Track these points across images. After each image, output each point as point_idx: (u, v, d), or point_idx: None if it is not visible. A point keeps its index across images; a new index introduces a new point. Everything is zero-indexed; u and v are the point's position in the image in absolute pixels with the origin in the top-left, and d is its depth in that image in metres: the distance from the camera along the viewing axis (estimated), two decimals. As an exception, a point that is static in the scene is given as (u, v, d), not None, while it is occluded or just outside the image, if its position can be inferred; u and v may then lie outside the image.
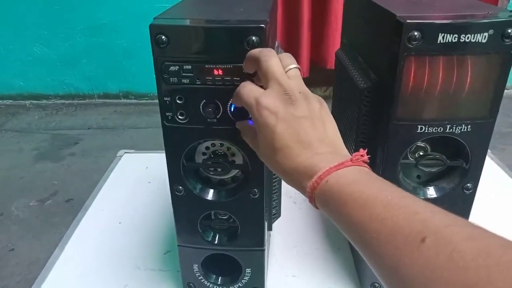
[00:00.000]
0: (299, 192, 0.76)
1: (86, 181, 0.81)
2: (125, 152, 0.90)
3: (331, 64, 1.25)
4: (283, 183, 0.67)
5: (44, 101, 1.55)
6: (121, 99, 1.50)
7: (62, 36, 1.48)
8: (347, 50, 0.57)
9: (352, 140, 0.49)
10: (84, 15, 1.41)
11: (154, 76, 0.37)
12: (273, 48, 0.54)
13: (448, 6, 0.42)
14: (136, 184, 0.78)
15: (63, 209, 0.92)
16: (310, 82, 1.48)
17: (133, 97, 1.48)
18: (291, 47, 1.28)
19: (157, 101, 0.39)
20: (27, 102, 1.55)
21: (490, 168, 0.81)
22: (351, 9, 0.58)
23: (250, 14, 0.39)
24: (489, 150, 0.83)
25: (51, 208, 0.93)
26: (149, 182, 0.78)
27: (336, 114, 0.64)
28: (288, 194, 0.74)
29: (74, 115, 1.43)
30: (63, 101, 1.54)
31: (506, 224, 0.65)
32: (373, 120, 0.44)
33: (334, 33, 1.21)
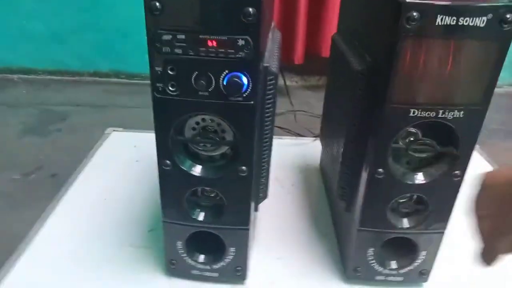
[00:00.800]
0: (287, 176, 0.76)
1: (72, 157, 0.79)
2: (114, 130, 0.89)
3: (325, 52, 1.24)
4: (272, 165, 0.67)
5: (33, 76, 1.52)
6: (111, 78, 1.47)
7: (53, 11, 1.45)
8: (344, 34, 0.57)
9: (345, 124, 0.48)
10: (77, -10, 1.38)
11: (147, 56, 0.36)
12: (270, 29, 0.53)
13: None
14: (123, 162, 0.77)
15: (47, 184, 0.90)
16: (304, 70, 1.48)
17: (124, 76, 1.46)
18: (286, 34, 1.27)
19: (149, 81, 0.38)
20: (15, 76, 1.52)
21: (479, 163, 0.81)
22: (349, -8, 0.57)
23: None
24: (478, 146, 0.85)
25: (35, 182, 0.91)
26: (137, 161, 0.77)
27: (330, 99, 0.64)
28: (277, 178, 0.74)
29: (63, 92, 1.40)
30: (52, 77, 1.51)
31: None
32: (367, 104, 0.43)
33: (331, 21, 1.20)
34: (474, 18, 0.35)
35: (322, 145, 0.70)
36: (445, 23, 0.35)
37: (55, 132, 1.11)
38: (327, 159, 0.67)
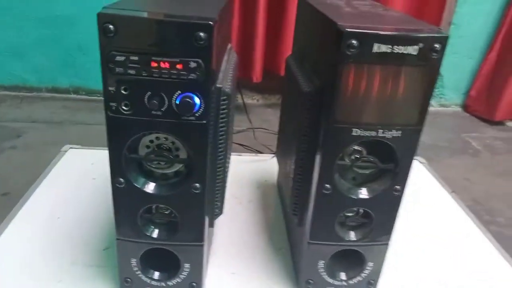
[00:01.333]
0: (245, 193, 0.78)
1: (26, 175, 0.77)
2: (70, 147, 0.88)
3: (284, 71, 1.29)
4: (231, 181, 0.68)
5: (-13, 92, 1.47)
6: (71, 94, 1.45)
7: (12, 25, 1.41)
8: (296, 56, 0.60)
9: (295, 142, 0.51)
10: (38, 5, 1.35)
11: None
12: (226, 50, 0.55)
13: (388, 20, 0.46)
14: (79, 180, 0.76)
15: (-2, 203, 0.88)
16: (264, 89, 1.51)
17: (84, 92, 1.44)
18: (245, 53, 1.30)
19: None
20: (-32, 92, 1.46)
21: (426, 178, 0.86)
22: (301, 17, 0.61)
23: (201, 11, 0.40)
24: (425, 162, 0.90)
25: (-14, 201, 0.88)
26: (94, 179, 0.76)
27: (284, 118, 0.67)
28: (235, 195, 0.76)
29: (19, 108, 1.36)
30: (7, 92, 1.46)
31: (432, 227, 0.70)
32: (314, 123, 0.46)
33: (289, 41, 1.24)
34: (407, 47, 0.38)
35: (278, 162, 0.72)
36: (381, 50, 0.38)
37: (9, 150, 1.08)
38: (282, 176, 0.69)
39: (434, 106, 1.53)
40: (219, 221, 0.67)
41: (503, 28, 1.39)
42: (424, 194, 0.80)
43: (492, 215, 0.90)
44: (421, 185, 0.83)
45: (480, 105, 1.45)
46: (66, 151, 0.86)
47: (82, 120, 1.21)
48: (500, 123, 1.43)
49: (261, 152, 0.94)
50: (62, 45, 1.40)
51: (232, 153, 0.85)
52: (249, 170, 0.85)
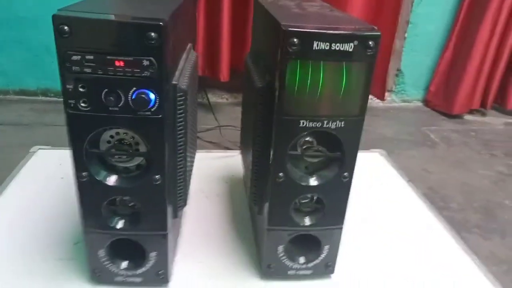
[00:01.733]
0: (212, 188, 0.81)
1: (-5, 177, 0.78)
2: (39, 148, 0.89)
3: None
4: (199, 177, 0.70)
5: (-47, 96, 1.45)
6: (39, 96, 1.44)
7: (-25, 28, 1.40)
8: (252, 55, 0.63)
9: (252, 136, 0.54)
10: (1, 6, 1.34)
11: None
12: (185, 50, 0.58)
13: (330, 20, 0.49)
14: (48, 180, 0.77)
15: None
16: (233, 87, 1.54)
17: (53, 94, 1.43)
18: (211, 52, 1.33)
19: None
20: None
21: (385, 169, 0.91)
22: (255, 18, 0.64)
23: (153, 12, 0.42)
24: (385, 153, 0.95)
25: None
26: (62, 178, 0.78)
27: (244, 114, 0.70)
28: (202, 189, 0.79)
29: (-14, 111, 1.35)
30: (-26, 95, 1.45)
31: (388, 213, 0.75)
32: (267, 116, 0.49)
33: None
34: (344, 44, 0.42)
35: (241, 156, 0.75)
36: (321, 48, 0.42)
37: (-24, 152, 1.07)
38: (245, 169, 0.72)
39: (396, 102, 1.59)
40: (187, 214, 0.70)
41: (456, 27, 1.46)
42: (382, 183, 0.85)
43: (446, 202, 0.96)
44: (380, 175, 0.88)
45: (439, 100, 1.53)
46: (35, 152, 0.87)
47: (50, 121, 1.21)
48: (458, 116, 1.50)
49: (229, 149, 0.97)
50: (28, 47, 1.39)
51: (200, 150, 0.88)
52: (217, 166, 0.88)
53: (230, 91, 1.47)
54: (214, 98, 1.46)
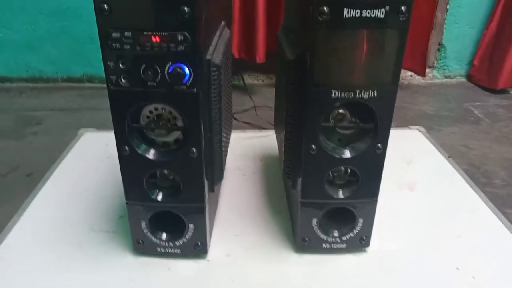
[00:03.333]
0: (248, 165, 0.82)
1: (47, 158, 0.84)
2: (86, 131, 0.94)
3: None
4: (235, 155, 0.72)
5: (8, 84, 1.55)
6: (85, 83, 1.52)
7: (26, 20, 1.48)
8: (285, 30, 0.63)
9: (284, 109, 0.54)
10: (47, -1, 1.42)
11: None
12: (219, 27, 0.59)
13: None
14: (95, 159, 0.82)
15: (23, 182, 0.94)
16: (268, 69, 1.54)
17: (97, 81, 1.51)
18: (248, 34, 1.33)
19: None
20: (-11, 85, 1.55)
21: (424, 145, 0.89)
22: (288, -7, 0.64)
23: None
24: (425, 130, 0.93)
25: (12, 181, 0.96)
26: (108, 157, 0.82)
27: (277, 90, 0.71)
28: (239, 167, 0.80)
29: (38, 97, 1.44)
30: (27, 84, 1.54)
31: (427, 188, 0.73)
32: (299, 89, 0.49)
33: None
34: (375, 10, 0.41)
35: (276, 133, 0.76)
36: (351, 15, 0.42)
37: (30, 135, 1.15)
38: (279, 144, 0.73)
39: (439, 78, 1.54)
40: (224, 191, 0.72)
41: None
42: (421, 160, 0.83)
43: (488, 178, 0.92)
44: (418, 152, 0.86)
45: (483, 75, 1.45)
46: (82, 134, 0.92)
47: (96, 106, 1.28)
48: (503, 91, 1.43)
49: (264, 128, 0.98)
50: (74, 37, 1.46)
51: (237, 130, 0.90)
52: (253, 145, 0.90)
53: (266, 73, 1.48)
54: (250, 79, 1.47)
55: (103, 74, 0.43)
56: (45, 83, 1.53)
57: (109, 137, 0.91)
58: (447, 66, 1.52)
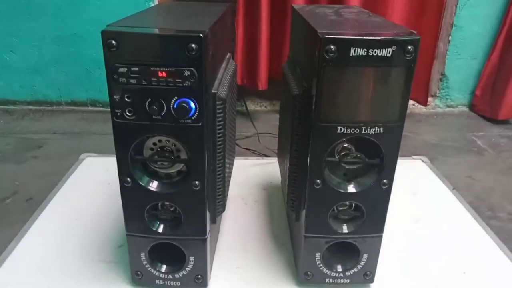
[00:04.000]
0: (251, 194, 0.82)
1: (47, 183, 0.83)
2: (88, 155, 0.93)
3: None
4: (237, 183, 0.71)
5: (11, 107, 1.56)
6: (88, 107, 1.53)
7: (32, 45, 1.50)
8: (290, 62, 0.64)
9: (289, 141, 0.54)
10: (54, 24, 1.44)
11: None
12: (224, 60, 0.60)
13: (366, 25, 0.49)
14: (95, 185, 0.81)
15: (22, 208, 0.93)
16: (271, 95, 1.55)
17: (101, 105, 1.51)
18: (250, 61, 1.35)
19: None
20: (-8, 108, 1.56)
21: (428, 176, 0.88)
22: (293, 27, 0.65)
23: (193, 25, 0.44)
24: (428, 160, 0.92)
25: (11, 206, 0.95)
26: (109, 184, 0.81)
27: (281, 121, 0.71)
28: (241, 195, 0.80)
29: (41, 121, 1.44)
30: (30, 107, 1.55)
31: (432, 222, 0.72)
32: (304, 123, 0.49)
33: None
34: (381, 49, 0.42)
35: (278, 163, 0.76)
36: (358, 54, 0.42)
37: (31, 159, 1.15)
38: (282, 176, 0.72)
39: (441, 107, 1.54)
40: (225, 220, 0.71)
41: (504, 29, 1.40)
42: (425, 191, 0.82)
43: (494, 211, 0.91)
44: (423, 183, 0.85)
45: (485, 105, 1.46)
46: (83, 159, 0.92)
47: (99, 130, 1.28)
48: (505, 121, 1.43)
49: (267, 156, 0.98)
50: (79, 61, 1.48)
51: (239, 157, 0.89)
52: (255, 173, 0.89)
53: (268, 99, 1.49)
54: (252, 106, 1.48)
55: (107, 98, 0.43)
56: (49, 106, 1.54)
57: (111, 162, 0.90)
58: (449, 95, 1.53)
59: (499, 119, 1.42)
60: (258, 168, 0.91)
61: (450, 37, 1.44)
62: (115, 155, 0.47)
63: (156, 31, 0.41)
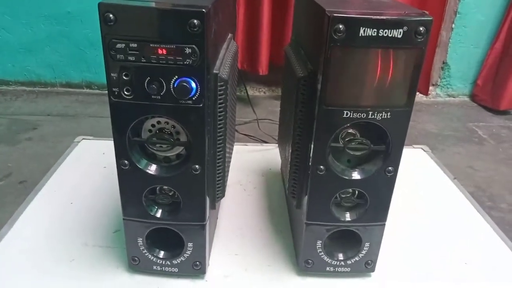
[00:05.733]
0: (250, 180, 0.80)
1: (41, 165, 0.81)
2: (83, 138, 0.91)
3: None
4: (236, 169, 0.70)
5: (4, 87, 1.53)
6: (83, 89, 1.49)
7: (25, 23, 1.46)
8: (293, 45, 0.62)
9: (292, 127, 0.53)
10: (48, 2, 1.40)
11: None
12: (225, 40, 0.58)
13: (374, 5, 0.47)
14: (91, 168, 0.79)
15: (15, 190, 0.92)
16: (271, 81, 1.53)
17: (96, 87, 1.48)
18: (251, 46, 1.32)
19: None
20: (-15, 88, 1.52)
21: (429, 166, 0.87)
22: (297, 8, 0.62)
23: (196, 0, 0.42)
24: (429, 150, 0.91)
25: (3, 189, 0.93)
26: (105, 167, 0.80)
27: (283, 106, 0.69)
28: (240, 182, 0.78)
29: (35, 102, 1.41)
30: (24, 87, 1.52)
31: (433, 212, 0.71)
32: (308, 107, 0.47)
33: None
34: (392, 30, 0.40)
35: (279, 148, 0.74)
36: (367, 34, 0.40)
37: (25, 141, 1.12)
38: (283, 162, 0.71)
39: (442, 97, 1.53)
40: (224, 206, 0.70)
41: (508, 17, 1.37)
42: (426, 181, 0.81)
43: (494, 201, 0.90)
44: (423, 172, 0.84)
45: (487, 95, 1.45)
46: (79, 142, 0.90)
47: (94, 113, 1.25)
48: (506, 112, 1.42)
49: (266, 142, 0.96)
50: (74, 41, 1.44)
51: (238, 143, 0.88)
52: (254, 159, 0.88)
53: (268, 85, 1.46)
54: (252, 91, 1.46)
55: (103, 81, 0.41)
56: (43, 87, 1.51)
57: (107, 145, 0.88)
58: (450, 85, 1.52)
59: (501, 109, 1.41)
60: (257, 154, 0.90)
61: (453, 25, 1.41)
62: (111, 139, 0.45)
63: (157, 4, 0.39)
